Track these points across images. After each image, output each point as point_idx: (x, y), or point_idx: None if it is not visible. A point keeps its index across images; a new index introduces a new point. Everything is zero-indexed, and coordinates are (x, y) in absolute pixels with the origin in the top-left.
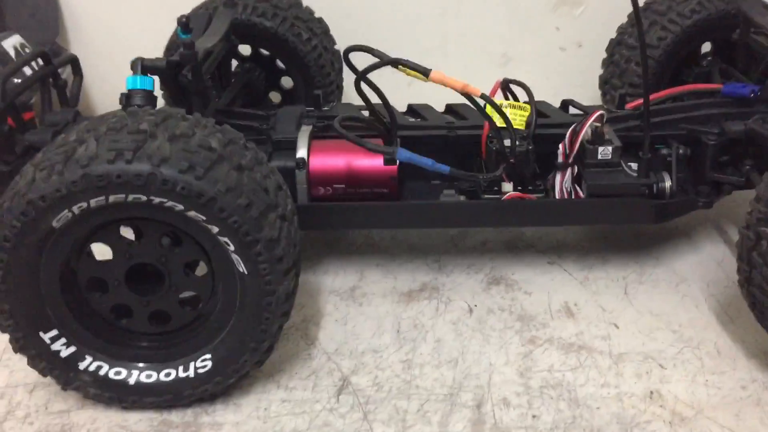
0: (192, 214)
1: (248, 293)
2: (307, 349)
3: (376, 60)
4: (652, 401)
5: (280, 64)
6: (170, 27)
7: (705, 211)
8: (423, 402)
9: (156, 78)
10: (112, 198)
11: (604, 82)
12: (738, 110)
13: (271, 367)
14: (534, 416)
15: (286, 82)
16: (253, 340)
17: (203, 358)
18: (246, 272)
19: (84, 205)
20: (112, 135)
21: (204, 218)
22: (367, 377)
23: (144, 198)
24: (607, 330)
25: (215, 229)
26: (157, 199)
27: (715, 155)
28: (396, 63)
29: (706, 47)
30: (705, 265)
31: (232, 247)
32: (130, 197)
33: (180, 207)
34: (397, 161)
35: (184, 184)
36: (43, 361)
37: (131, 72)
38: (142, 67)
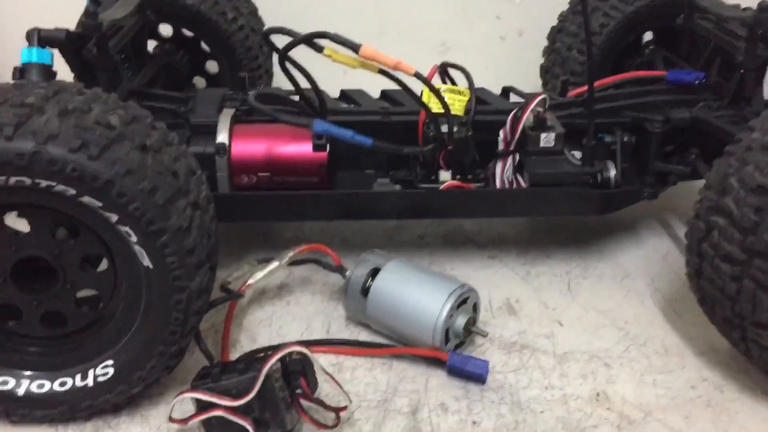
0: (86, 199)
1: (154, 290)
2: None
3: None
4: (598, 403)
5: (205, 46)
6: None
7: (646, 204)
8: (354, 409)
9: (56, 51)
10: None
11: (546, 71)
12: (683, 98)
13: (185, 373)
14: (474, 422)
15: (212, 66)
16: (161, 343)
17: (104, 364)
18: (151, 266)
19: None
20: None
21: (100, 205)
22: None
23: (29, 181)
24: (551, 328)
25: (114, 218)
26: (44, 183)
27: (660, 144)
28: (320, 37)
29: (648, 37)
30: (649, 258)
31: (134, 238)
32: (12, 180)
33: (72, 192)
34: (327, 148)
35: (75, 164)
36: None
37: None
38: (39, 38)
